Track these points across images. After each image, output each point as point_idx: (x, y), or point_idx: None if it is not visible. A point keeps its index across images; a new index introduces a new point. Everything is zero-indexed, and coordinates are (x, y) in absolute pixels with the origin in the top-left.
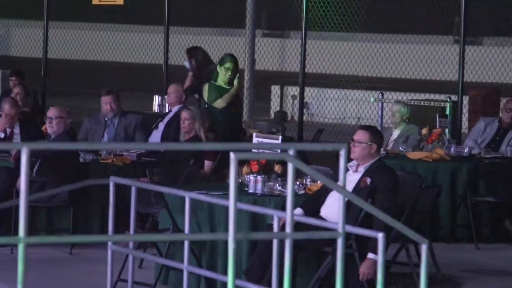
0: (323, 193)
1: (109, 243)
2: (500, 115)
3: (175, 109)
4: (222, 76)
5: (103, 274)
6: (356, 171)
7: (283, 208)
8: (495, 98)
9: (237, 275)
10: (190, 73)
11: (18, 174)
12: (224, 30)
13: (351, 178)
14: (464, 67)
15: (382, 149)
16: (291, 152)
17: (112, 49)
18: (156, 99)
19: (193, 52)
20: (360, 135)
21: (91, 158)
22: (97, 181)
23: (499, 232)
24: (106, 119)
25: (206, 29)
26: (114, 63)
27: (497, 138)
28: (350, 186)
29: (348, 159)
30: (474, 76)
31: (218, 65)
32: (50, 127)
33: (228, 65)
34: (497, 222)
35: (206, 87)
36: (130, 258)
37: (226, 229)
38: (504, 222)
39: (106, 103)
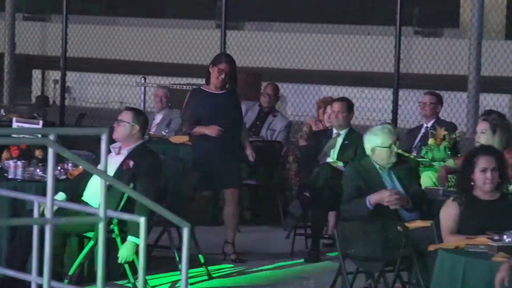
0: (85, 177)
1: None
2: (261, 99)
3: None
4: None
5: None
6: (118, 153)
7: (44, 193)
8: (256, 82)
9: None
10: None
11: None
12: None
13: (114, 160)
14: (226, 51)
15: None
16: (51, 137)
17: None
18: None
19: None
20: (124, 115)
21: None
22: None
23: (260, 215)
24: None
25: None
26: None
27: (258, 122)
28: (112, 168)
29: (112, 140)
30: (236, 61)
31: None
32: None
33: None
34: (258, 204)
35: None
36: None
37: None
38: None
39: None
